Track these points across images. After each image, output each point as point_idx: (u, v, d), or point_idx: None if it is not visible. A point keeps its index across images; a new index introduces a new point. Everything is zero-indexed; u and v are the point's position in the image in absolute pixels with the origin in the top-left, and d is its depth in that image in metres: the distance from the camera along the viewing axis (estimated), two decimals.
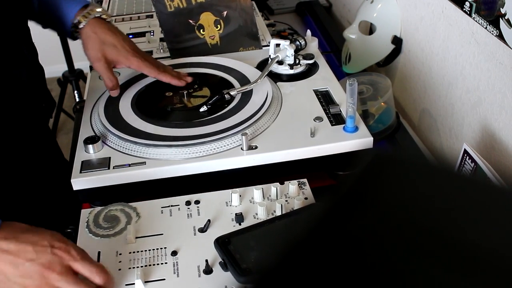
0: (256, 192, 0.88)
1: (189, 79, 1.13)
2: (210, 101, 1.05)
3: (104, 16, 1.08)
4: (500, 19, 0.89)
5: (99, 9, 1.08)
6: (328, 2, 1.92)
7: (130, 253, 0.81)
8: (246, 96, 1.07)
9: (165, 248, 0.81)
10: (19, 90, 0.98)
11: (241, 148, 0.95)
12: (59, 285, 0.70)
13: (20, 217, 0.75)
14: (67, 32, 1.08)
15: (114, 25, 1.12)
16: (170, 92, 1.11)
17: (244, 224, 0.84)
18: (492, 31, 0.92)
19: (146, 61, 1.09)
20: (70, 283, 0.70)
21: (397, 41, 1.34)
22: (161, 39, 1.39)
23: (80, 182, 0.92)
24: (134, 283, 0.75)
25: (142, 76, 1.18)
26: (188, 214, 0.87)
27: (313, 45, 1.25)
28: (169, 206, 0.89)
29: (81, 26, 1.05)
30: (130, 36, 1.46)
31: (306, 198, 0.88)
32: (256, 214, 0.86)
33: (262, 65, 1.21)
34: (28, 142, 1.02)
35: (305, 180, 0.92)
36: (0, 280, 0.70)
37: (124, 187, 0.93)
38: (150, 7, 1.62)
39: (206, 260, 0.77)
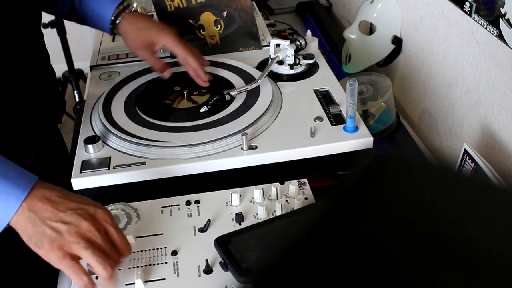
0: (256, 192, 0.89)
1: (206, 84, 1.12)
2: (211, 102, 1.05)
3: (139, 10, 1.14)
4: (500, 19, 0.89)
5: (134, 4, 1.14)
6: (328, 2, 1.92)
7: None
8: (247, 96, 1.08)
9: (165, 248, 0.81)
10: (28, 92, 0.99)
11: (241, 148, 0.95)
12: (92, 237, 0.69)
13: None
14: (107, 29, 1.13)
15: (150, 16, 1.17)
16: (170, 92, 1.11)
17: (244, 224, 0.84)
18: (492, 31, 0.92)
19: (181, 41, 1.10)
20: (104, 240, 0.70)
21: (397, 41, 1.34)
22: None
23: (80, 182, 0.92)
24: (134, 283, 0.75)
25: (141, 74, 1.19)
26: (188, 214, 0.87)
27: (313, 45, 1.26)
28: (169, 206, 0.89)
29: (118, 21, 1.11)
30: None
31: (306, 198, 0.88)
32: (256, 214, 0.86)
33: (262, 65, 1.21)
34: (37, 143, 1.03)
35: (305, 180, 0.92)
36: (34, 223, 0.69)
37: (124, 187, 0.93)
38: (150, 7, 1.62)
39: (206, 260, 0.77)
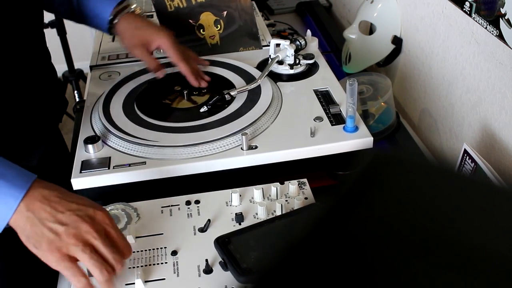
0: (256, 192, 0.89)
1: (205, 84, 1.12)
2: (211, 101, 1.05)
3: (137, 11, 1.15)
4: (500, 19, 0.89)
5: (132, 6, 1.14)
6: (328, 2, 1.92)
7: None
8: (247, 96, 1.08)
9: (165, 247, 0.81)
10: (30, 91, 0.99)
11: (241, 148, 0.95)
12: (91, 241, 0.68)
13: None
14: (104, 29, 1.14)
15: (146, 18, 1.18)
16: (170, 92, 1.11)
17: (244, 224, 0.84)
18: (492, 31, 0.92)
19: (175, 44, 1.10)
20: (104, 242, 0.69)
21: (397, 41, 1.34)
22: None
23: (80, 182, 0.92)
24: (134, 283, 0.75)
25: (141, 74, 1.18)
26: (188, 214, 0.87)
27: (313, 45, 1.26)
28: (169, 206, 0.89)
29: (115, 21, 1.11)
30: None
31: (306, 198, 0.88)
32: (256, 214, 0.86)
33: (262, 65, 1.21)
34: (37, 143, 1.03)
35: (305, 180, 0.92)
36: (33, 224, 0.69)
37: (124, 187, 0.93)
38: (150, 7, 1.62)
39: (206, 260, 0.77)
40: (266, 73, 1.12)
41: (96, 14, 1.12)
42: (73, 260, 0.69)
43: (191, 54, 1.16)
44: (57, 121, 1.15)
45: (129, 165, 0.93)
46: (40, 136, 1.03)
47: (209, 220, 0.84)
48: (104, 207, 0.88)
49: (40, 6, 1.02)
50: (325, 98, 1.09)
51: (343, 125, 0.99)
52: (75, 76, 2.59)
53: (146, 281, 0.76)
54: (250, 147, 0.95)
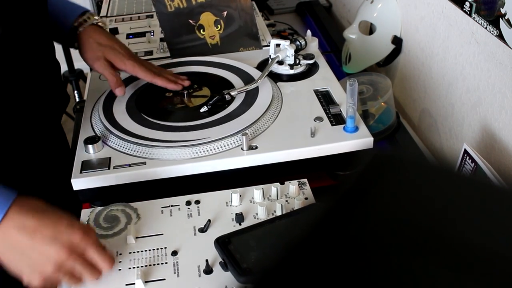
0: (256, 192, 0.89)
1: (187, 83, 1.12)
2: (211, 102, 1.05)
3: (100, 24, 1.11)
4: (500, 19, 0.89)
5: (96, 17, 1.11)
6: (328, 2, 1.92)
7: (130, 253, 0.81)
8: (247, 96, 1.08)
9: (165, 248, 0.81)
10: (33, 85, 0.98)
11: (242, 148, 0.95)
12: (69, 266, 0.71)
13: None
14: (66, 39, 1.11)
15: (109, 33, 1.14)
16: (171, 92, 1.11)
17: (244, 224, 0.84)
18: (492, 31, 0.92)
19: (141, 65, 1.09)
20: (85, 266, 0.71)
21: (397, 41, 1.34)
22: (161, 39, 1.39)
23: (80, 182, 0.92)
24: (134, 283, 0.75)
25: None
26: (188, 214, 0.87)
27: (313, 45, 1.26)
28: (169, 206, 0.89)
29: (78, 31, 1.08)
30: (130, 37, 1.47)
31: (306, 198, 0.88)
32: (256, 214, 0.86)
33: (262, 65, 1.22)
34: (39, 139, 1.02)
35: (305, 180, 0.92)
36: (14, 253, 0.70)
37: (124, 187, 0.93)
38: (150, 7, 1.63)
39: (206, 260, 0.77)
40: (266, 73, 1.12)
41: (58, 23, 1.09)
42: (56, 280, 0.72)
43: (158, 68, 1.14)
44: (59, 116, 1.15)
45: (129, 165, 0.93)
46: (42, 131, 1.02)
47: (209, 220, 0.84)
48: (104, 207, 0.88)
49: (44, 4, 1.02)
50: (325, 98, 1.09)
51: (343, 125, 0.99)
52: (75, 76, 2.59)
53: (146, 281, 0.76)
54: (250, 147, 0.95)
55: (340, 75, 1.41)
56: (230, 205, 0.88)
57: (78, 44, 1.10)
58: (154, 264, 0.79)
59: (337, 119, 1.02)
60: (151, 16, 1.58)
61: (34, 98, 0.99)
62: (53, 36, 1.12)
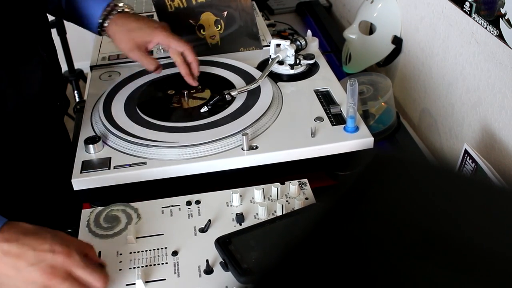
0: (256, 192, 0.89)
1: (195, 83, 1.11)
2: (211, 102, 1.05)
3: (126, 10, 1.12)
4: (500, 19, 0.89)
5: (121, 4, 1.12)
6: (328, 2, 1.92)
7: (130, 253, 0.81)
8: (247, 97, 1.08)
9: (165, 248, 0.81)
10: (34, 89, 0.98)
11: (242, 148, 0.95)
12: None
13: (21, 216, 0.75)
14: (94, 31, 1.12)
15: (138, 14, 1.15)
16: (172, 91, 1.11)
17: (245, 224, 0.84)
18: (492, 31, 0.92)
19: (174, 35, 1.09)
20: (73, 286, 0.70)
21: (397, 41, 1.34)
22: None
23: (80, 182, 0.92)
24: (134, 283, 0.75)
25: (141, 75, 1.18)
26: (188, 214, 0.87)
27: (313, 45, 1.26)
28: (169, 206, 0.89)
29: (106, 24, 1.09)
30: None
31: (306, 198, 0.88)
32: (257, 214, 0.86)
33: (262, 65, 1.22)
34: (40, 141, 1.03)
35: (305, 180, 0.92)
36: (2, 283, 0.70)
37: (124, 187, 0.93)
38: (150, 7, 1.62)
39: (207, 260, 0.77)
40: (267, 73, 1.12)
41: (85, 16, 1.10)
42: None
43: (188, 49, 1.11)
44: (61, 117, 1.15)
45: (130, 165, 0.93)
46: (43, 131, 1.02)
47: (209, 221, 0.84)
48: (104, 207, 0.88)
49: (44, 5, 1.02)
50: (325, 98, 1.09)
51: (344, 125, 0.99)
52: (75, 76, 2.59)
53: (146, 282, 0.76)
54: (251, 147, 0.95)
55: (340, 75, 1.41)
56: (231, 205, 0.88)
57: (111, 38, 1.11)
58: (154, 264, 0.79)
59: (337, 119, 1.02)
60: (152, 16, 1.58)
61: (32, 101, 0.99)
62: (82, 26, 1.14)
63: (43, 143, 1.03)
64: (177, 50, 1.09)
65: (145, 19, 1.12)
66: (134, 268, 0.78)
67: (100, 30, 1.11)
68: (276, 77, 1.16)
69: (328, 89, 1.12)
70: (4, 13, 0.89)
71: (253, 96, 1.07)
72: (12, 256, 0.70)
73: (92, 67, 1.29)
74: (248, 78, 1.14)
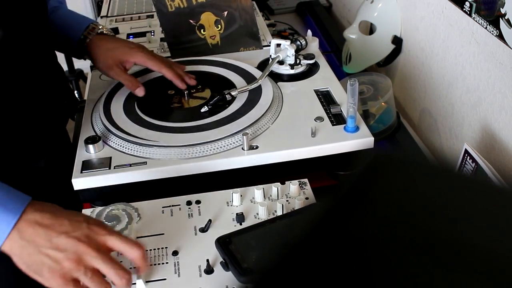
0: (257, 192, 0.89)
1: (193, 82, 1.12)
2: (211, 101, 1.05)
3: (105, 31, 1.14)
4: (500, 19, 0.89)
5: (100, 26, 1.13)
6: (328, 2, 1.92)
7: None
8: (247, 96, 1.08)
9: (166, 248, 0.81)
10: (35, 88, 0.99)
11: (242, 148, 0.95)
12: (92, 262, 0.68)
13: None
14: (75, 51, 1.13)
15: (115, 36, 1.17)
16: (172, 91, 1.12)
17: (245, 224, 0.84)
18: (492, 31, 0.92)
19: (151, 56, 1.10)
20: (105, 260, 0.69)
21: (397, 41, 1.34)
22: (162, 39, 1.39)
23: (81, 182, 0.92)
24: (135, 283, 0.75)
25: (141, 74, 1.18)
26: (189, 214, 0.87)
27: (313, 45, 1.26)
28: (170, 206, 0.89)
29: (86, 43, 1.11)
30: (130, 37, 1.47)
31: (307, 198, 0.89)
32: (257, 214, 0.86)
33: (262, 65, 1.22)
34: (45, 144, 1.02)
35: (306, 180, 0.92)
36: (30, 252, 0.68)
37: (125, 187, 0.93)
38: (150, 7, 1.63)
39: (207, 260, 0.77)
40: (267, 73, 1.12)
41: (66, 36, 1.12)
42: (77, 281, 0.69)
43: (169, 61, 1.14)
44: (64, 123, 1.15)
45: (130, 165, 0.93)
46: (47, 137, 1.02)
47: (210, 220, 0.84)
48: (104, 207, 0.88)
49: (44, 10, 1.02)
50: (325, 98, 1.09)
51: (344, 125, 0.99)
52: (75, 76, 2.59)
53: (147, 281, 0.76)
54: (251, 147, 0.95)
55: (341, 75, 1.41)
56: (231, 205, 0.88)
57: (89, 56, 1.12)
58: (155, 264, 0.79)
59: (337, 119, 1.02)
60: (152, 16, 1.58)
61: (38, 105, 0.99)
62: (62, 50, 1.16)
63: (46, 143, 1.03)
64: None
65: (123, 40, 1.14)
66: (135, 267, 0.78)
67: (79, 51, 1.12)
68: (276, 77, 1.16)
69: (328, 89, 1.12)
70: (7, 16, 0.90)
71: (253, 96, 1.07)
72: (44, 226, 0.69)
73: (92, 67, 1.29)
74: (248, 78, 1.15)
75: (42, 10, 1.00)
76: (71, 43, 1.12)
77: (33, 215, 0.69)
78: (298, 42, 1.19)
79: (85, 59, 1.16)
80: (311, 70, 1.19)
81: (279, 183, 0.90)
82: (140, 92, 1.08)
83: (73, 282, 0.68)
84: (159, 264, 0.79)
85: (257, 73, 1.15)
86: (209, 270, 0.77)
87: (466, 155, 0.96)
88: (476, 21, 0.97)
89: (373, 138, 0.98)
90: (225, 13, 1.27)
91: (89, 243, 0.69)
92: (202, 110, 1.05)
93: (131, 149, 0.96)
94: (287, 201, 0.88)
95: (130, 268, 0.78)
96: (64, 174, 0.96)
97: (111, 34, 1.15)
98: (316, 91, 1.11)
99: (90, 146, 0.97)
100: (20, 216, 0.69)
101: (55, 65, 1.08)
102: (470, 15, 0.99)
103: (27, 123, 0.96)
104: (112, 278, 0.70)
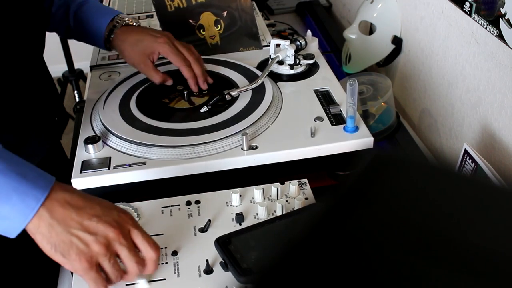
0: (256, 192, 0.89)
1: (205, 87, 1.11)
2: (211, 102, 1.05)
3: (130, 23, 1.13)
4: (500, 19, 0.89)
5: (125, 18, 1.13)
6: (328, 2, 1.92)
7: None
8: (247, 96, 1.08)
9: (165, 248, 0.81)
10: (27, 103, 0.99)
11: (242, 148, 0.95)
12: (118, 249, 0.68)
13: None
14: (102, 46, 1.13)
15: (142, 26, 1.16)
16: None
17: (245, 224, 0.84)
18: (492, 31, 0.92)
19: (175, 48, 1.09)
20: (130, 249, 0.69)
21: (397, 41, 1.34)
22: None
23: (80, 182, 0.92)
24: (135, 283, 0.75)
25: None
26: (188, 214, 0.87)
27: (313, 45, 1.26)
28: (169, 206, 0.89)
29: (112, 36, 1.11)
30: None
31: (306, 198, 0.88)
32: (257, 214, 0.86)
33: (262, 65, 1.22)
34: (36, 157, 1.02)
35: (305, 180, 0.92)
36: (59, 232, 0.66)
37: (124, 187, 0.93)
38: (150, 7, 1.62)
39: (207, 260, 0.77)
40: (267, 73, 1.12)
41: (92, 32, 1.12)
42: (98, 268, 0.68)
43: (193, 55, 1.11)
44: (57, 139, 1.15)
45: (130, 165, 0.93)
46: (39, 155, 1.02)
47: (209, 220, 0.84)
48: None
49: (43, 32, 1.02)
50: (325, 98, 1.09)
51: (344, 125, 0.99)
52: (75, 76, 2.59)
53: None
54: (251, 147, 0.95)
55: (340, 75, 1.41)
56: (230, 205, 0.88)
57: (117, 51, 1.13)
58: None
59: (337, 119, 1.02)
60: (151, 16, 1.58)
61: (27, 119, 0.98)
62: (90, 43, 1.16)
63: (38, 161, 1.03)
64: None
65: (147, 31, 1.12)
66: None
67: (107, 45, 1.12)
68: (276, 77, 1.16)
69: (328, 89, 1.12)
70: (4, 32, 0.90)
71: (253, 96, 1.07)
72: (76, 207, 0.67)
73: (92, 67, 1.29)
74: (248, 78, 1.14)
75: (36, 25, 1.00)
76: (97, 40, 1.12)
77: (62, 194, 0.68)
78: (298, 42, 1.19)
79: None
80: (311, 70, 1.19)
81: (278, 183, 0.90)
82: (169, 82, 1.11)
83: (96, 267, 0.67)
84: (158, 264, 0.79)
85: (256, 73, 1.15)
86: (208, 270, 0.77)
87: (466, 155, 0.96)
88: (476, 21, 0.97)
89: (372, 138, 0.97)
90: (225, 13, 1.26)
91: (119, 228, 0.68)
92: (202, 110, 1.05)
93: (131, 149, 0.96)
94: (286, 201, 0.88)
95: None
96: (63, 174, 0.96)
97: (136, 24, 1.14)
98: (316, 91, 1.11)
99: (90, 146, 0.96)
100: (49, 193, 0.67)
101: (47, 83, 1.08)
102: (470, 15, 0.99)
103: (17, 142, 0.95)
104: (129, 269, 0.70)
